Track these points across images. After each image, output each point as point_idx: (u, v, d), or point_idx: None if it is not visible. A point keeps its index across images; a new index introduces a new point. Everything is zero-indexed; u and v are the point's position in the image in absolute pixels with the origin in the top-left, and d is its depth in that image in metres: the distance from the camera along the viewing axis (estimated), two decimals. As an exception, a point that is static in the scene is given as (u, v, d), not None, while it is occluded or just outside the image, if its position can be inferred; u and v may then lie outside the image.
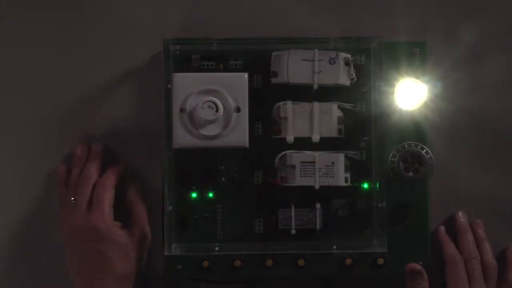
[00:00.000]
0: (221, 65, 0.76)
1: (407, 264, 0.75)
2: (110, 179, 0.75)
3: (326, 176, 0.74)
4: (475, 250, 0.76)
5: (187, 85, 0.73)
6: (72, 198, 0.75)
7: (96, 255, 0.72)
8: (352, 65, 0.75)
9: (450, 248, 0.77)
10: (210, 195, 0.76)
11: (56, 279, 0.78)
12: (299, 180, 0.74)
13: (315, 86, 0.74)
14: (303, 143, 0.75)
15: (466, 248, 0.76)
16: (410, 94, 0.76)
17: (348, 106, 0.76)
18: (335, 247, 0.76)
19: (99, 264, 0.72)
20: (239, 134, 0.74)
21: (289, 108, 0.75)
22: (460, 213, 0.79)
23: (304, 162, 0.74)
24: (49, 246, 0.78)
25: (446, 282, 0.76)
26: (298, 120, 0.75)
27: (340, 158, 0.74)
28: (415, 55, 0.77)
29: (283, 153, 0.75)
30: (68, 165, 0.78)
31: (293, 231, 0.75)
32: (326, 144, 0.75)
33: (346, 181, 0.75)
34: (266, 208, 0.76)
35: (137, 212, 0.76)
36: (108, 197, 0.74)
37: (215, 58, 0.76)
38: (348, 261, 0.76)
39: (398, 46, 0.77)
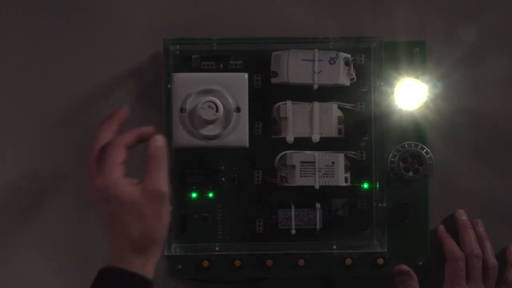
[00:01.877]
0: (221, 65, 0.76)
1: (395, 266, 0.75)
2: (120, 138, 0.67)
3: (326, 176, 0.74)
4: (478, 248, 0.76)
5: (187, 85, 0.73)
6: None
7: (108, 218, 0.65)
8: (352, 65, 0.75)
9: (450, 245, 0.77)
10: (210, 195, 0.76)
11: (56, 277, 0.78)
12: (299, 180, 0.74)
13: (315, 86, 0.74)
14: (303, 143, 0.75)
15: (468, 245, 0.76)
16: (410, 94, 0.76)
17: (348, 106, 0.76)
18: (335, 247, 0.76)
19: (112, 228, 0.65)
20: (239, 134, 0.74)
21: (289, 108, 0.75)
22: (459, 211, 0.79)
23: (304, 162, 0.74)
24: (48, 245, 0.78)
25: (444, 278, 0.76)
26: (298, 120, 0.75)
27: (340, 158, 0.74)
28: (415, 55, 0.77)
29: (283, 153, 0.75)
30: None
31: (293, 231, 0.75)
32: (326, 144, 0.75)
33: (346, 181, 0.75)
34: (266, 208, 0.76)
35: (153, 165, 0.66)
36: (111, 154, 0.66)
37: (215, 58, 0.76)
38: (348, 261, 0.76)
39: (398, 46, 0.77)
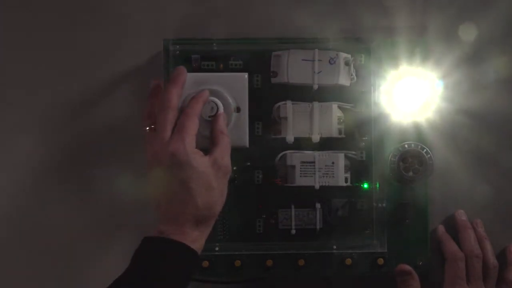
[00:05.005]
0: (221, 65, 0.76)
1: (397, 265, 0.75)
2: (192, 108, 0.70)
3: (326, 176, 0.74)
4: (478, 248, 0.76)
5: (187, 85, 0.73)
6: (148, 128, 0.71)
7: (176, 185, 0.66)
8: (352, 65, 0.75)
9: (450, 245, 0.77)
10: (210, 195, 0.76)
11: (55, 277, 0.78)
12: (299, 180, 0.74)
13: (315, 86, 0.74)
14: (303, 143, 0.75)
15: (468, 245, 0.76)
16: (410, 94, 0.76)
17: (348, 106, 0.76)
18: (335, 247, 0.76)
19: (179, 194, 0.66)
20: (239, 134, 0.74)
21: (289, 108, 0.75)
22: (459, 212, 0.79)
23: (304, 162, 0.74)
24: (46, 243, 0.78)
25: (444, 279, 0.76)
26: (298, 120, 0.75)
27: (340, 158, 0.75)
28: (415, 55, 0.77)
29: (283, 153, 0.75)
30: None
31: (293, 231, 0.75)
32: (326, 144, 0.75)
33: (346, 181, 0.75)
34: (266, 208, 0.76)
35: (222, 141, 0.70)
36: (189, 124, 0.68)
37: (215, 58, 0.76)
38: (348, 261, 0.76)
39: (398, 46, 0.77)
